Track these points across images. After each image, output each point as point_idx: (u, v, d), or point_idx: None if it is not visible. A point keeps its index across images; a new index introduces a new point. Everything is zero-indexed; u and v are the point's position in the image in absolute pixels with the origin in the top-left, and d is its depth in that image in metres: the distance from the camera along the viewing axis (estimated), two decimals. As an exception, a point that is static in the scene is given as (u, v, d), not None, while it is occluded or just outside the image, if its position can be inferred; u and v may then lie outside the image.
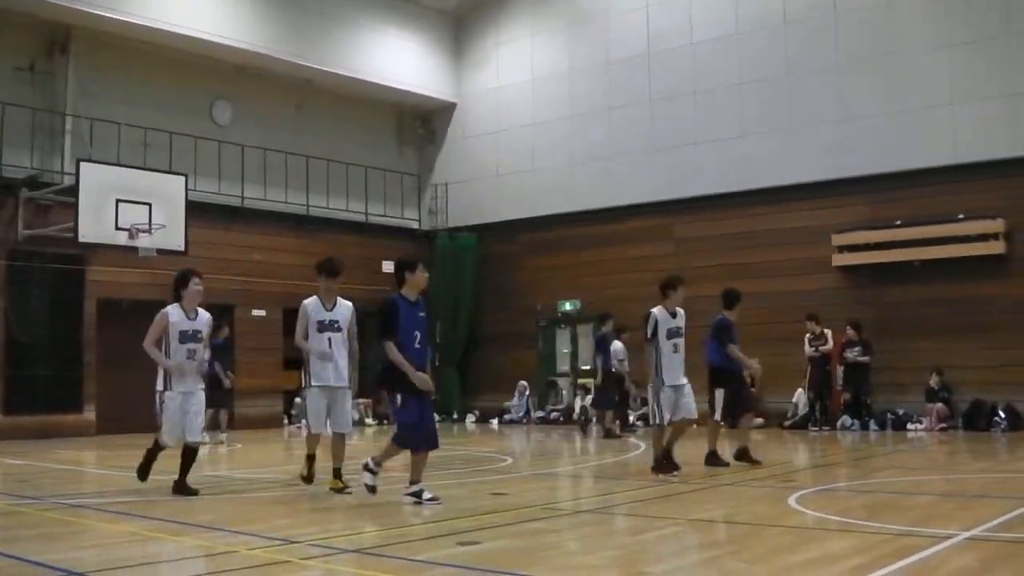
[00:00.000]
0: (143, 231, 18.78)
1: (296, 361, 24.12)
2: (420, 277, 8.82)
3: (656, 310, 11.43)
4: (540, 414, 23.79)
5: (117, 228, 18.54)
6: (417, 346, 8.63)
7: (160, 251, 19.11)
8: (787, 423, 19.78)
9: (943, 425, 18.24)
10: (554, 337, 24.95)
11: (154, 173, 19.62)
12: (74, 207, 18.16)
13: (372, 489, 8.85)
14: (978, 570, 5.81)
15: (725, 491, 9.86)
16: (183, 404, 9.48)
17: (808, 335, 19.31)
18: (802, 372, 19.46)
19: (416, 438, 8.63)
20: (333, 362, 9.59)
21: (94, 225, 18.26)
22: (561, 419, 23.13)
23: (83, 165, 18.36)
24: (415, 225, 26.73)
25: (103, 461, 14.94)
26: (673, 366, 11.20)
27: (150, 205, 18.96)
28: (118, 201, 18.54)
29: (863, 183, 19.91)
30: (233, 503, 9.62)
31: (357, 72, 24.44)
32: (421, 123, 27.19)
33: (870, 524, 7.32)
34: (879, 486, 10.05)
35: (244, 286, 22.15)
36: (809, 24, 20.97)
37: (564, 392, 24.26)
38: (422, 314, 8.79)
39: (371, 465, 8.88)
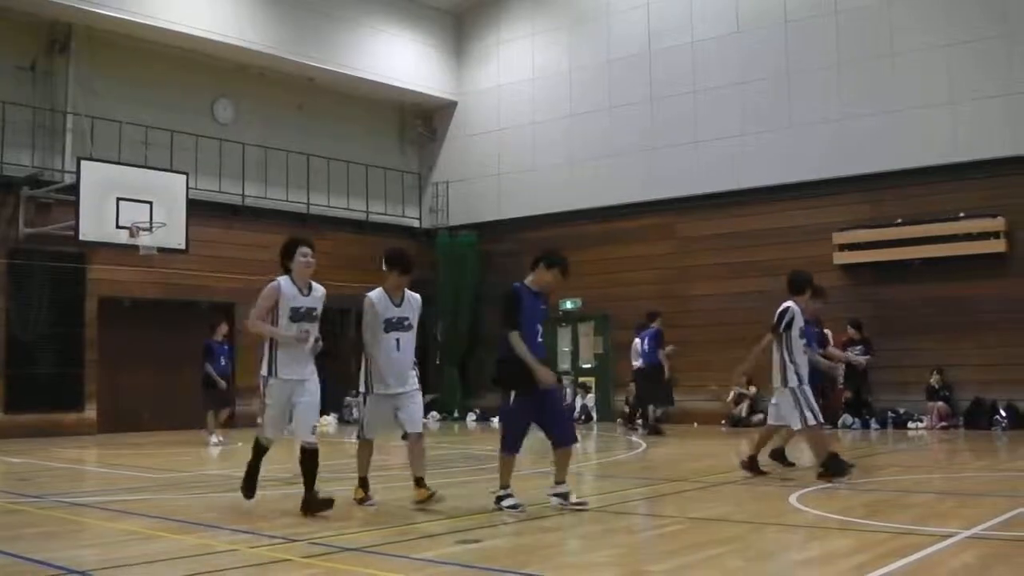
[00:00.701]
0: (144, 229, 18.79)
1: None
2: (548, 277, 8.32)
3: (793, 304, 10.60)
4: (541, 412, 23.75)
5: (118, 226, 18.55)
6: (539, 340, 8.25)
7: (161, 249, 19.16)
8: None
9: (944, 424, 18.24)
10: (555, 336, 24.93)
11: (155, 171, 19.64)
12: (75, 205, 18.17)
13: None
14: (978, 568, 5.82)
15: (726, 490, 9.86)
16: (293, 394, 8.15)
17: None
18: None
19: (512, 440, 8.34)
20: (400, 365, 8.53)
21: (95, 223, 18.27)
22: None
23: (84, 163, 18.38)
24: (416, 224, 26.74)
25: (104, 459, 14.95)
26: (805, 365, 10.56)
27: (151, 203, 18.98)
28: (119, 199, 18.55)
29: (863, 181, 19.93)
30: (234, 501, 9.61)
31: (358, 71, 24.45)
32: (422, 121, 27.19)
33: (871, 523, 7.33)
34: (880, 485, 10.06)
35: (245, 284, 22.07)
36: (809, 23, 20.97)
37: (566, 390, 24.23)
38: (544, 307, 8.39)
39: (561, 494, 8.48)
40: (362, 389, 8.66)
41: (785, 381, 10.41)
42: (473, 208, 26.01)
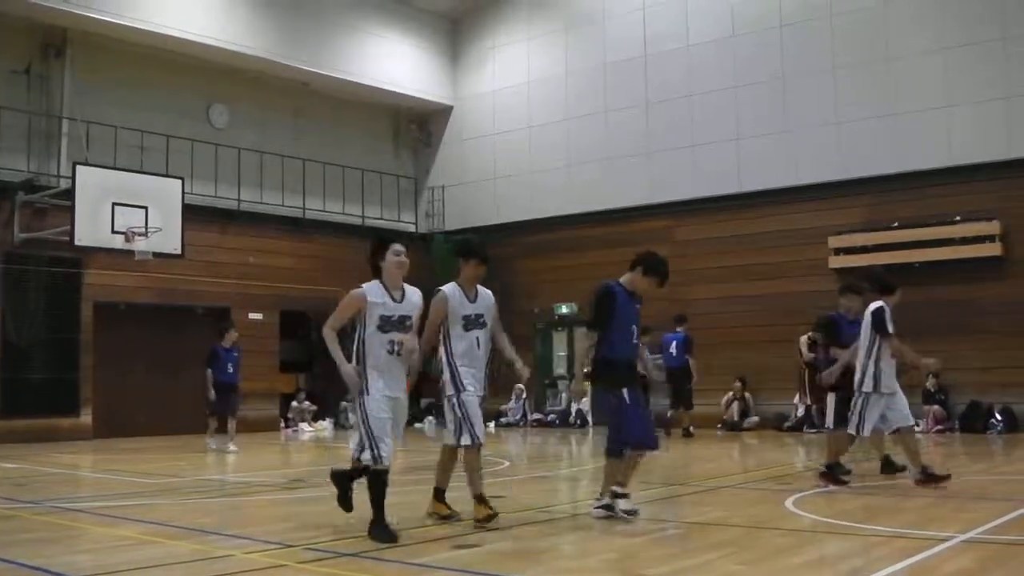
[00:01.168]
0: (139, 234, 18.77)
1: (293, 364, 24.32)
2: (644, 284, 8.01)
3: (885, 304, 10.03)
4: (537, 417, 23.79)
5: (113, 231, 18.53)
6: (634, 341, 8.00)
7: (156, 254, 19.14)
8: (786, 425, 19.83)
9: (940, 427, 18.26)
10: (551, 340, 24.94)
11: (150, 176, 19.62)
12: (70, 210, 18.15)
13: (632, 512, 7.91)
14: (975, 572, 5.81)
15: (723, 494, 9.86)
16: (392, 411, 7.18)
17: (806, 339, 19.34)
18: (800, 374, 19.49)
19: (643, 433, 7.91)
20: (481, 365, 7.91)
21: (90, 228, 18.25)
22: (557, 422, 23.12)
23: (79, 168, 18.37)
24: (412, 228, 26.71)
25: (100, 465, 14.92)
26: (891, 370, 9.97)
27: (146, 208, 18.96)
28: (114, 204, 18.53)
29: (859, 185, 19.96)
30: (230, 507, 9.60)
31: (354, 75, 24.44)
32: (418, 126, 27.19)
33: (867, 526, 7.32)
34: (876, 488, 10.05)
35: (240, 289, 22.15)
36: (805, 27, 21.00)
37: (562, 395, 24.24)
38: (639, 306, 8.06)
39: (619, 490, 7.95)
40: (450, 392, 7.77)
41: (860, 384, 9.97)
42: (469, 213, 26.01)
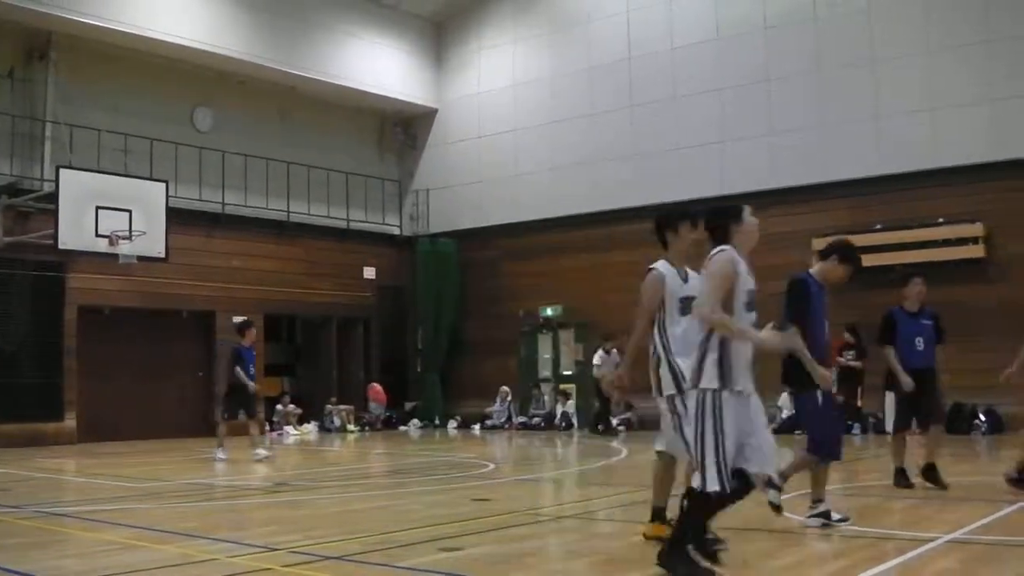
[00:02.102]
0: (123, 238, 18.69)
1: (277, 367, 24.26)
2: (840, 271, 7.62)
3: None
4: (522, 420, 23.79)
5: (97, 235, 18.44)
6: (826, 338, 7.55)
7: (141, 258, 19.05)
8: (773, 427, 19.83)
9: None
10: (536, 343, 24.92)
11: (135, 180, 19.53)
12: (54, 214, 18.05)
13: (779, 508, 7.36)
14: (959, 572, 5.84)
15: (708, 495, 9.84)
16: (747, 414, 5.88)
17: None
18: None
19: (832, 445, 7.52)
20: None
21: (74, 232, 18.16)
22: (543, 425, 23.11)
23: (63, 172, 18.28)
24: (396, 231, 26.72)
25: (84, 469, 14.84)
26: None
27: (130, 212, 18.86)
28: (98, 208, 18.43)
29: (843, 187, 20.02)
30: (215, 510, 9.57)
31: (339, 79, 24.40)
32: (402, 129, 27.16)
33: (853, 528, 7.34)
34: (861, 490, 10.09)
35: (225, 293, 22.09)
36: (789, 30, 21.07)
37: (546, 398, 24.22)
38: (826, 300, 7.61)
39: (776, 481, 7.15)
40: (671, 391, 6.49)
41: None
42: (454, 215, 26.00)
